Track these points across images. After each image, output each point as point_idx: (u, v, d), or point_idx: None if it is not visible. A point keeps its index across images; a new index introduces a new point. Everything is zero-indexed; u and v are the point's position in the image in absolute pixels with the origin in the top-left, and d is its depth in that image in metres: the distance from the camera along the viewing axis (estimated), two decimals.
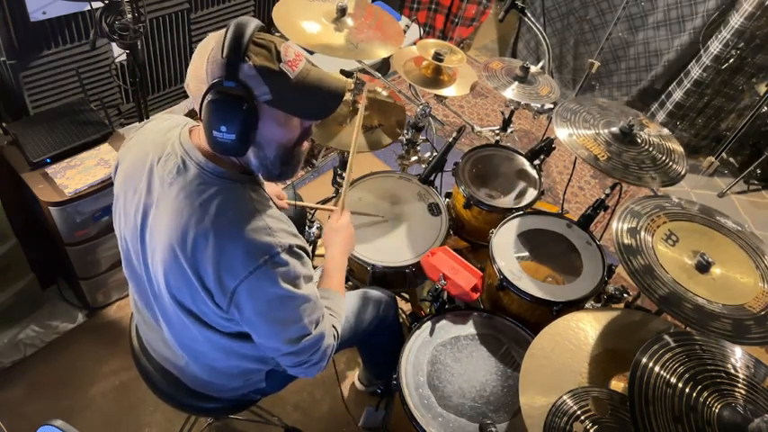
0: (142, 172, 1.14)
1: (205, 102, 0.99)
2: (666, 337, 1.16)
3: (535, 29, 2.36)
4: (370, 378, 2.07)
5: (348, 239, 1.52)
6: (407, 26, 2.21)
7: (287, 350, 1.15)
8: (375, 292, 1.65)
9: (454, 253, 1.69)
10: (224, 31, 0.99)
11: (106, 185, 1.84)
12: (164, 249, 1.08)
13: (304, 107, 1.06)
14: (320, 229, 1.96)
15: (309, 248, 1.34)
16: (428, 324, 1.61)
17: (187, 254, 1.05)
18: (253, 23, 0.99)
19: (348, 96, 2.09)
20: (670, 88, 3.42)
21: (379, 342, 1.71)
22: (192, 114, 2.47)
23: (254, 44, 1.00)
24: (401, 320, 1.93)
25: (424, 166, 2.10)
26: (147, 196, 1.13)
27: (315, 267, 1.35)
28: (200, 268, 1.05)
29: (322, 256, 2.28)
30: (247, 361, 1.30)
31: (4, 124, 1.95)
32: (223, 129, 0.99)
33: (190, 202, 1.06)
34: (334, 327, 1.26)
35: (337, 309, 1.32)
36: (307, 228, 1.88)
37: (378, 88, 2.20)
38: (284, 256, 1.06)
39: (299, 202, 1.71)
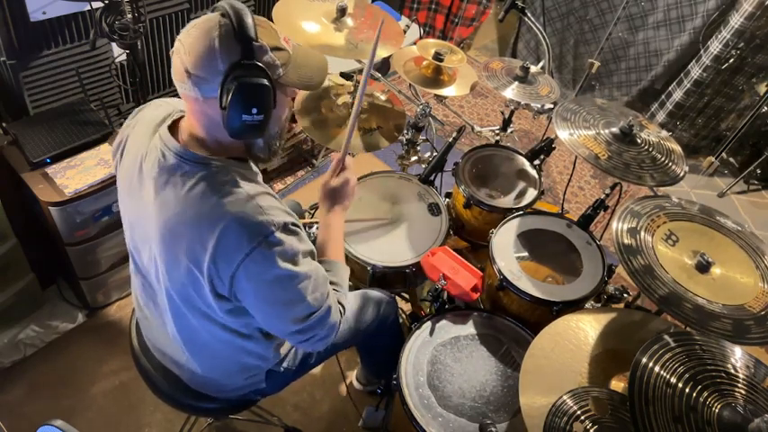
0: (135, 166, 1.14)
1: (231, 86, 0.97)
2: (666, 337, 1.16)
3: (535, 29, 2.36)
4: (368, 377, 2.07)
5: (346, 197, 1.37)
6: (407, 26, 2.21)
7: (294, 329, 1.13)
8: (375, 293, 1.65)
9: (454, 253, 1.69)
10: (219, 14, 0.99)
11: (106, 185, 1.84)
12: (159, 243, 1.08)
13: (305, 79, 1.10)
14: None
15: None
16: (428, 324, 1.61)
17: (182, 245, 1.04)
18: (243, 5, 1.00)
19: (347, 99, 2.10)
20: (670, 88, 3.42)
21: (379, 343, 1.71)
22: None
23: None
24: (401, 320, 1.93)
25: (424, 166, 2.10)
26: (140, 190, 1.13)
27: None
28: (197, 258, 1.04)
29: None
30: (247, 356, 1.30)
31: (4, 124, 1.95)
32: (254, 111, 1.00)
33: (175, 193, 1.05)
34: (339, 302, 1.23)
35: (340, 281, 1.28)
36: (306, 228, 1.88)
37: (376, 92, 2.20)
38: (279, 235, 1.03)
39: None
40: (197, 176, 1.05)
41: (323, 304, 1.14)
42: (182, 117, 1.15)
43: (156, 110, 1.20)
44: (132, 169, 1.16)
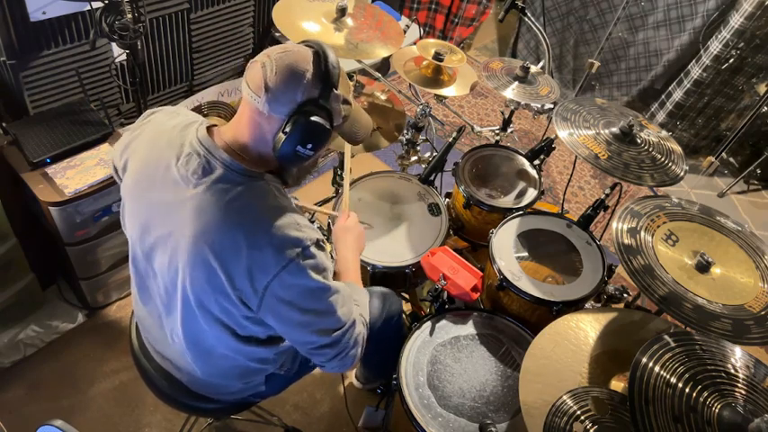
0: (157, 171, 1.14)
1: (299, 117, 1.04)
2: (666, 337, 1.16)
3: (535, 29, 2.35)
4: (368, 376, 2.07)
5: (359, 238, 1.53)
6: (407, 26, 2.21)
7: (322, 342, 1.15)
8: (378, 288, 1.64)
9: (454, 253, 1.69)
10: (312, 51, 1.06)
11: (106, 185, 1.84)
12: (189, 248, 1.08)
13: (352, 134, 1.21)
14: (320, 229, 1.96)
15: None
16: (428, 324, 1.61)
17: (217, 253, 1.06)
18: (332, 49, 1.08)
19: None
20: (670, 88, 3.42)
21: (381, 342, 1.70)
22: (197, 111, 2.46)
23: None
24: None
25: (424, 166, 2.10)
26: (165, 195, 1.12)
27: None
28: (230, 267, 1.06)
29: None
30: (251, 361, 1.30)
31: (4, 124, 1.95)
32: (309, 146, 1.08)
33: (217, 201, 1.07)
34: (362, 315, 1.27)
35: (360, 298, 1.32)
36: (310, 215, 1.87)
37: (377, 92, 2.19)
38: (313, 250, 1.09)
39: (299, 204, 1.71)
40: (241, 188, 1.09)
41: (350, 318, 1.19)
42: (211, 126, 1.17)
43: (174, 118, 1.21)
44: (150, 171, 1.15)
